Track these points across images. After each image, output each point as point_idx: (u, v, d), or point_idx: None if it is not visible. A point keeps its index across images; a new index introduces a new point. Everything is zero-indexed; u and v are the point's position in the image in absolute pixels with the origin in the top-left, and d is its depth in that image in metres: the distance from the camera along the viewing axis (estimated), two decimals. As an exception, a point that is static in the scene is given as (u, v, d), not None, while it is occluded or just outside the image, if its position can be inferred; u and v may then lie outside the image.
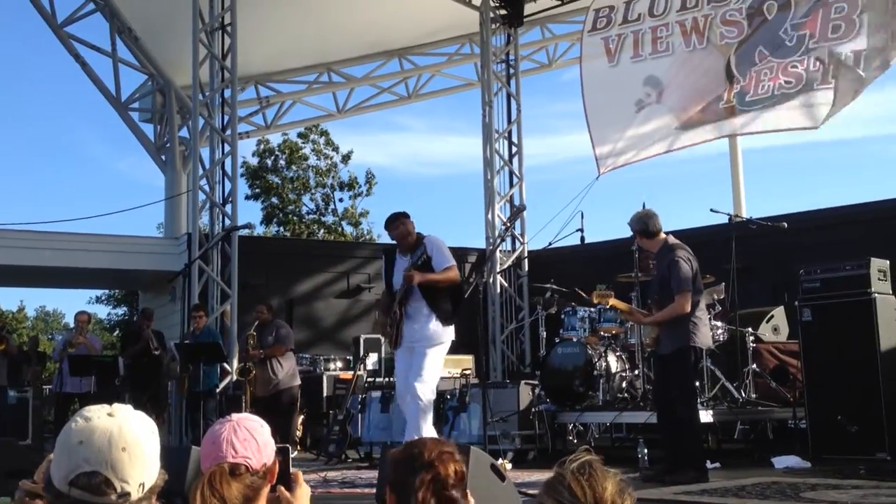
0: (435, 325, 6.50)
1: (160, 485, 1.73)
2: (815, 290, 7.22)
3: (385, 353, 11.93)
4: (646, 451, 7.11)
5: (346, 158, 29.82)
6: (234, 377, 10.29)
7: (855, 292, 6.98)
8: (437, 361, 6.60)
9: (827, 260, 7.41)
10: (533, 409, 8.42)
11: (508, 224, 13.08)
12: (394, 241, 6.87)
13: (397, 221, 6.71)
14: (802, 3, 9.06)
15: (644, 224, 6.54)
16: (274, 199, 29.64)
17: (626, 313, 7.05)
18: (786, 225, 8.66)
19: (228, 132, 11.54)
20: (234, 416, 2.19)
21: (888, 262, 7.14)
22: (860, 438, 6.72)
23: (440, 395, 9.12)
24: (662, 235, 6.54)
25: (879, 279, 6.99)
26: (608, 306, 7.22)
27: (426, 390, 6.49)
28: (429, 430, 6.49)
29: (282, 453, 2.28)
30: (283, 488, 2.29)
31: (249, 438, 2.09)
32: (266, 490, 2.13)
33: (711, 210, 8.65)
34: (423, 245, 6.59)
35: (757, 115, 9.27)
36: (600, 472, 1.78)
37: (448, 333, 6.62)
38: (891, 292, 6.99)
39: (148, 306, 13.11)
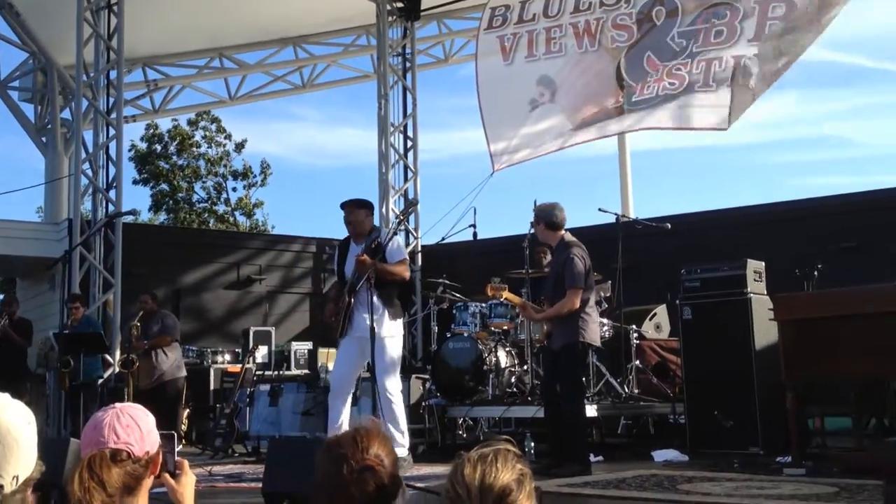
0: (386, 317, 6.49)
1: (36, 477, 1.68)
2: (695, 290, 7.47)
3: (275, 346, 11.79)
4: (532, 444, 7.25)
5: (239, 147, 29.29)
6: (117, 369, 9.99)
7: (732, 292, 7.24)
8: (397, 354, 6.59)
9: (707, 261, 7.67)
10: (423, 404, 8.47)
11: (402, 218, 13.07)
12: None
13: (349, 208, 6.71)
14: (690, 11, 9.34)
15: (552, 215, 6.67)
16: (164, 186, 28.87)
17: (519, 307, 7.16)
18: (669, 226, 8.94)
19: (114, 115, 11.17)
20: (119, 404, 2.15)
21: (763, 263, 7.45)
22: (735, 433, 6.98)
23: (326, 389, 9.09)
24: (563, 231, 6.68)
25: (755, 280, 7.29)
26: (502, 300, 7.30)
27: (395, 385, 6.49)
28: (404, 424, 6.54)
29: (168, 440, 2.24)
30: (167, 475, 2.25)
31: (133, 425, 2.06)
32: (148, 481, 2.09)
33: (600, 210, 8.87)
34: (378, 234, 6.65)
35: (642, 114, 9.53)
36: (501, 461, 1.79)
37: (399, 327, 6.66)
38: (765, 292, 7.29)
39: (12, 294, 12.58)
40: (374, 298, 6.36)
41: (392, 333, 6.57)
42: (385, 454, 2.01)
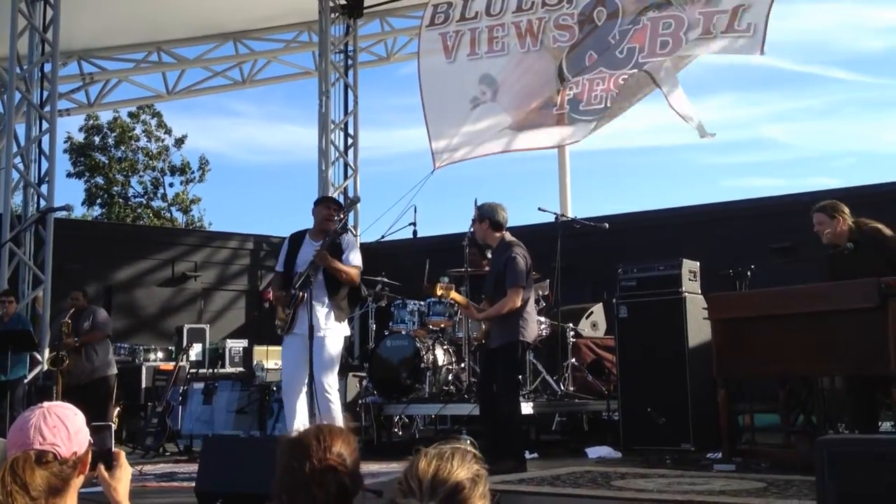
0: (332, 317, 6.39)
1: None
2: (631, 289, 7.56)
3: (209, 344, 11.63)
4: (469, 440, 7.25)
5: (179, 142, 28.89)
6: (46, 367, 9.75)
7: (667, 291, 7.35)
8: (337, 352, 6.49)
9: (643, 260, 7.76)
10: (360, 401, 8.43)
11: (343, 216, 12.99)
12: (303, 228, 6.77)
13: (334, 207, 6.69)
14: (629, 13, 9.47)
15: (495, 213, 6.71)
16: (99, 179, 28.31)
17: (463, 307, 7.16)
18: (607, 226, 9.02)
19: (47, 109, 10.93)
20: (46, 403, 2.10)
21: (698, 263, 7.57)
22: (668, 430, 7.07)
23: (266, 387, 9.00)
24: (504, 231, 6.72)
25: (690, 279, 7.40)
26: (448, 299, 7.28)
27: (333, 383, 6.40)
28: (340, 422, 6.36)
29: (103, 431, 2.20)
30: (102, 467, 2.20)
31: (59, 425, 2.02)
32: (77, 481, 2.05)
33: (539, 209, 8.92)
34: (337, 236, 6.52)
35: (589, 125, 9.64)
36: (458, 459, 1.79)
37: (343, 328, 6.56)
38: (699, 292, 7.41)
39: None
40: (324, 297, 6.35)
41: (334, 332, 6.48)
42: (348, 453, 2.01)
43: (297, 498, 1.95)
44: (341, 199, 13.34)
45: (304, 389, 6.40)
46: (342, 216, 6.65)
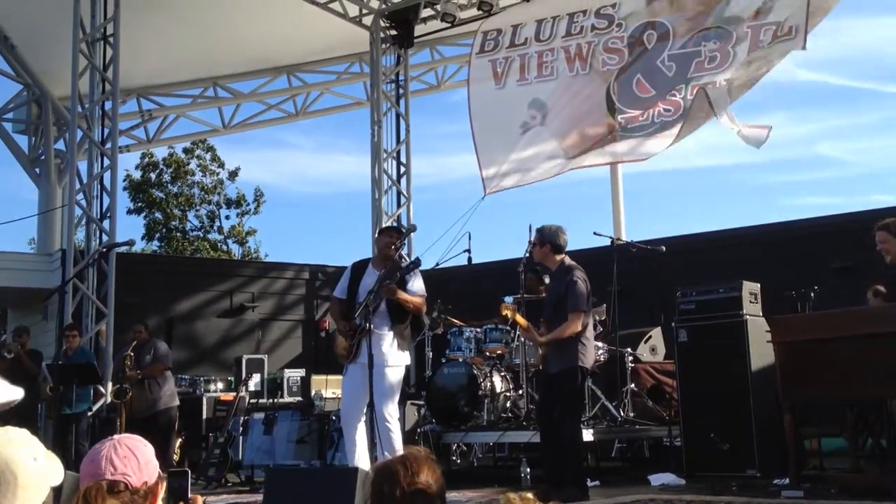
0: (395, 347, 6.43)
1: None
2: (690, 312, 7.44)
3: (268, 374, 11.73)
4: (528, 469, 7.19)
5: (233, 175, 29.35)
6: (109, 399, 9.91)
7: (728, 314, 7.21)
8: (397, 382, 6.52)
9: (702, 283, 7.65)
10: (418, 430, 8.40)
11: (399, 244, 13.06)
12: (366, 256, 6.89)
13: (396, 235, 6.75)
14: (681, 35, 9.41)
15: (556, 237, 6.66)
16: (157, 215, 28.87)
17: (524, 330, 6.99)
18: (664, 248, 8.92)
19: (108, 146, 11.19)
20: (117, 435, 2.15)
21: (759, 284, 7.43)
22: (732, 456, 6.92)
23: (325, 416, 9.03)
24: (564, 255, 6.67)
25: (751, 301, 7.27)
26: (512, 320, 7.05)
27: (393, 412, 6.42)
28: (396, 449, 6.40)
29: (181, 476, 2.26)
30: None
31: (130, 456, 2.06)
32: None
33: (595, 233, 8.87)
34: (400, 266, 6.62)
35: (639, 141, 9.56)
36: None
37: (405, 357, 6.60)
38: (761, 314, 7.27)
39: (19, 324, 12.53)
40: (386, 325, 6.39)
41: (397, 363, 6.50)
42: (434, 480, 2.06)
43: None
44: (383, 227, 13.41)
45: (364, 419, 6.41)
46: (398, 244, 6.68)
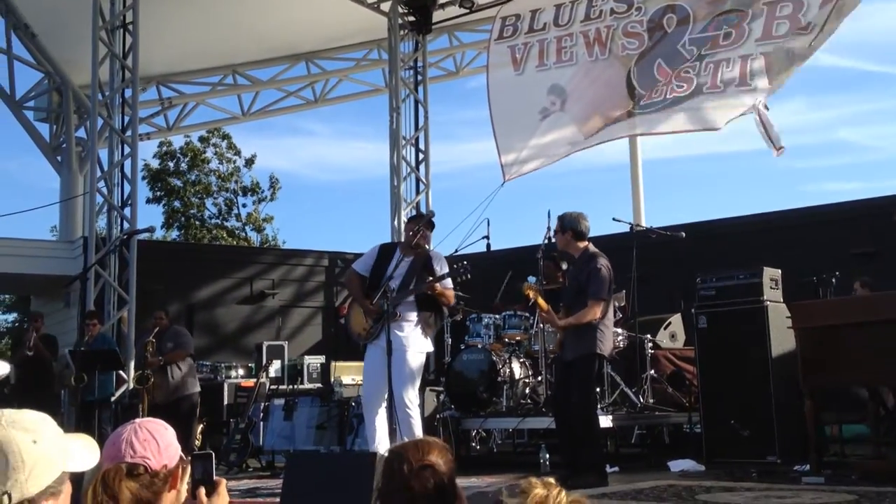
0: (419, 333, 6.47)
1: (36, 499, 1.66)
2: (710, 298, 7.41)
3: (288, 360, 11.79)
4: (547, 456, 7.20)
5: (249, 162, 29.41)
6: (131, 385, 10.00)
7: (748, 300, 7.18)
8: (418, 367, 6.55)
9: (722, 269, 7.61)
10: (437, 416, 8.42)
11: (417, 231, 13.06)
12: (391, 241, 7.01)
13: (423, 224, 6.73)
14: (701, 18, 9.33)
15: (578, 223, 6.65)
16: (176, 203, 29.00)
17: (544, 313, 6.91)
18: (684, 234, 8.89)
19: (129, 133, 11.23)
20: (138, 419, 2.17)
21: (780, 270, 7.39)
22: (752, 442, 6.91)
23: (345, 402, 9.07)
24: (587, 241, 6.65)
25: (771, 287, 7.23)
26: (533, 301, 6.95)
27: (413, 397, 6.46)
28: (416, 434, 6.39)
29: (205, 459, 2.27)
30: (202, 492, 2.25)
31: (150, 439, 2.08)
32: (170, 495, 2.09)
33: (614, 219, 8.84)
34: (428, 256, 6.65)
35: (652, 118, 9.51)
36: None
37: (428, 344, 6.64)
38: (782, 300, 7.23)
39: (37, 310, 12.68)
40: (414, 315, 6.45)
41: (419, 349, 6.53)
42: (443, 462, 2.11)
43: (396, 496, 2.04)
44: (413, 214, 13.42)
45: (384, 404, 6.44)
46: (417, 231, 6.69)
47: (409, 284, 6.49)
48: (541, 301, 6.76)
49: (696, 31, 9.27)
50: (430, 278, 6.46)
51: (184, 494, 2.22)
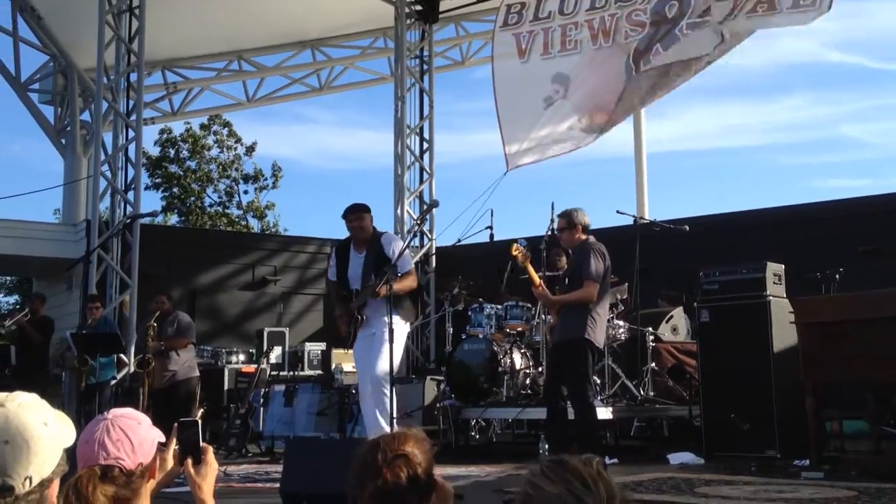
0: (397, 318, 6.39)
1: (52, 478, 1.67)
2: (713, 292, 7.40)
3: (289, 347, 11.81)
4: (546, 446, 7.19)
5: (250, 150, 29.32)
6: (132, 369, 10.01)
7: (751, 295, 7.17)
8: (397, 352, 6.47)
9: (725, 263, 7.60)
10: (438, 405, 8.44)
11: (421, 220, 13.07)
12: (347, 233, 6.85)
13: (357, 214, 6.68)
14: (700, 5, 9.37)
15: (582, 219, 6.67)
16: (175, 190, 28.95)
17: (536, 286, 6.77)
18: (687, 228, 8.87)
19: (133, 117, 11.22)
20: (112, 412, 2.13)
21: (783, 266, 7.39)
22: (752, 436, 6.91)
23: (345, 390, 9.09)
24: (585, 235, 6.69)
25: (774, 282, 7.21)
26: (521, 264, 6.80)
27: (385, 376, 6.41)
28: (386, 420, 6.43)
29: (191, 427, 2.24)
30: (189, 463, 2.24)
31: (123, 438, 2.04)
32: (147, 486, 2.08)
33: (618, 212, 8.84)
34: (379, 243, 6.59)
35: (643, 90, 9.64)
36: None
37: (405, 329, 6.68)
38: (784, 295, 7.22)
39: (40, 291, 12.70)
40: (384, 308, 6.33)
41: (396, 331, 6.40)
42: (419, 452, 2.04)
43: (369, 486, 1.96)
44: (416, 204, 13.41)
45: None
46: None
47: (368, 281, 6.52)
48: (530, 268, 6.68)
49: (694, 15, 9.36)
50: (374, 280, 6.36)
51: (170, 463, 2.20)
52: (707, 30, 9.18)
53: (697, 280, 7.54)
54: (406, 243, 6.96)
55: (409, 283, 6.61)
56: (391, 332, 6.07)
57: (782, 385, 6.89)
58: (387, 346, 6.34)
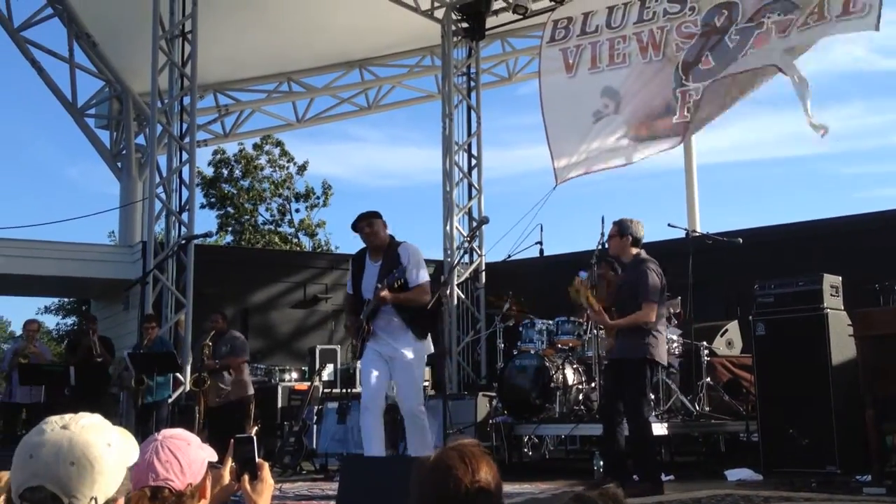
0: (411, 338, 6.32)
1: (116, 497, 1.70)
2: (768, 305, 7.29)
3: (341, 364, 11.86)
4: (601, 463, 7.14)
5: (301, 169, 29.69)
6: (188, 387, 10.15)
7: (808, 307, 7.05)
8: (420, 374, 6.50)
9: (781, 275, 7.49)
10: (490, 421, 8.41)
11: (471, 236, 13.09)
12: (363, 243, 6.62)
13: (365, 221, 6.45)
14: (749, 10, 9.29)
15: (637, 230, 6.61)
16: (229, 209, 29.39)
17: (595, 312, 6.75)
18: (741, 240, 8.77)
19: (187, 140, 11.42)
20: (161, 433, 2.16)
21: (840, 277, 7.25)
22: (811, 452, 6.79)
23: (397, 407, 9.09)
24: (639, 248, 6.62)
25: (832, 294, 7.09)
26: (583, 298, 6.74)
27: (420, 404, 6.38)
28: (430, 439, 6.38)
29: (247, 443, 2.26)
30: (246, 480, 2.26)
31: (172, 459, 2.07)
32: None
33: (669, 225, 8.75)
34: (396, 252, 6.38)
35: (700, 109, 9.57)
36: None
37: (422, 347, 6.43)
38: (842, 308, 7.09)
39: (91, 313, 12.96)
40: (396, 320, 6.28)
41: (419, 354, 6.38)
42: (492, 477, 1.97)
43: None
44: (465, 220, 13.42)
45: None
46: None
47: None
48: (592, 299, 6.64)
49: (742, 21, 9.30)
50: (381, 291, 6.16)
51: (226, 479, 2.22)
52: (767, 48, 9.09)
53: (752, 293, 7.44)
54: (423, 255, 6.64)
55: (418, 296, 6.28)
56: (411, 358, 6.12)
57: (841, 399, 6.76)
58: (409, 373, 6.28)
